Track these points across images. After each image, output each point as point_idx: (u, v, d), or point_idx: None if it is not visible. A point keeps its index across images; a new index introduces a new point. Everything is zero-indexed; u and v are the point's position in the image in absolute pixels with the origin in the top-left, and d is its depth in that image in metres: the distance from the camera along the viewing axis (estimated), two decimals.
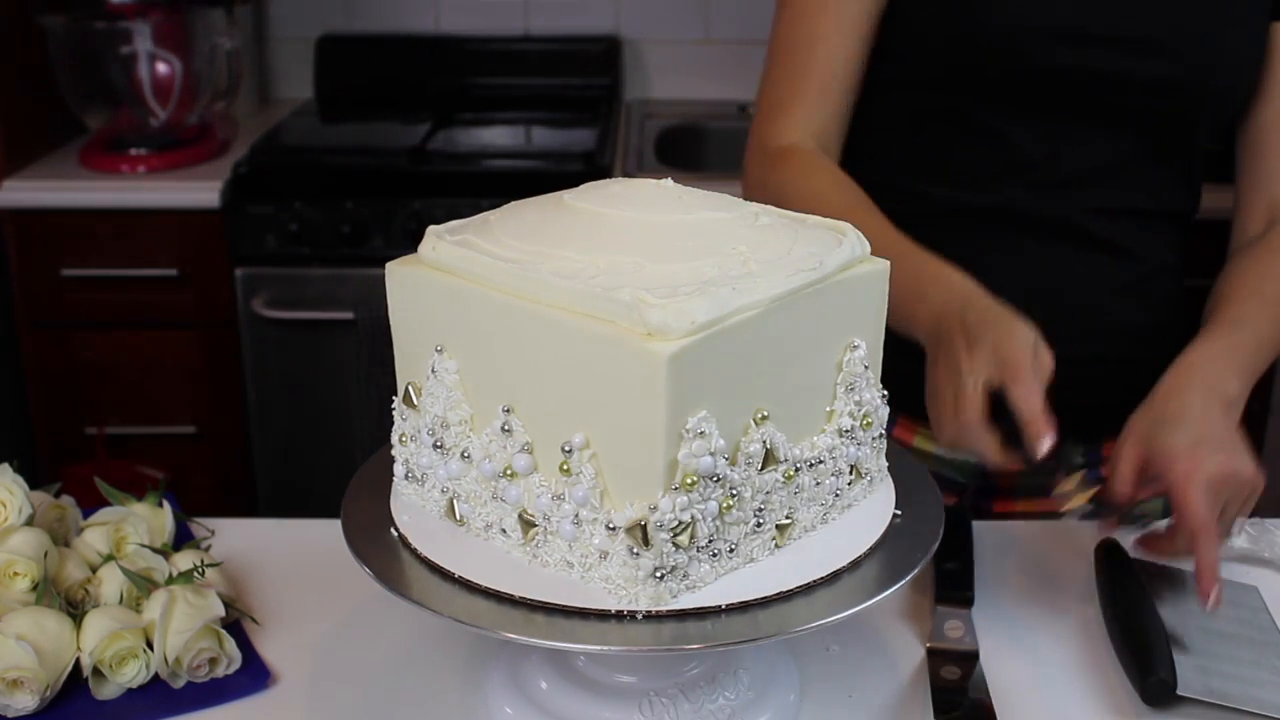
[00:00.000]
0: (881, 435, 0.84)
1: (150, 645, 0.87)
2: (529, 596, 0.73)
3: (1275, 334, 1.07)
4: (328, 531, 0.93)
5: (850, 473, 0.82)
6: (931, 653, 0.92)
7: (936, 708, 0.86)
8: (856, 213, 1.05)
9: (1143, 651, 0.90)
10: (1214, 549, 0.91)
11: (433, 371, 0.79)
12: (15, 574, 0.89)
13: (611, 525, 0.71)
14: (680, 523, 0.71)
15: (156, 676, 0.87)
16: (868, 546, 0.79)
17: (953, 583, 0.98)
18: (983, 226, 1.18)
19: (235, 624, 0.94)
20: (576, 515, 0.73)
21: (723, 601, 0.73)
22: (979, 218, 1.17)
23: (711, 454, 0.70)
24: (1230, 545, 1.07)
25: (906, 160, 1.22)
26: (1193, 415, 0.97)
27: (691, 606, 0.72)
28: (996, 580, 1.02)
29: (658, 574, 0.71)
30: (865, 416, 0.81)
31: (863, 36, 1.17)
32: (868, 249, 0.81)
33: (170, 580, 0.91)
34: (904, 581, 0.76)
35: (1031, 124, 1.15)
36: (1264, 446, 2.24)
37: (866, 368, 0.81)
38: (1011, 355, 0.90)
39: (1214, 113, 1.16)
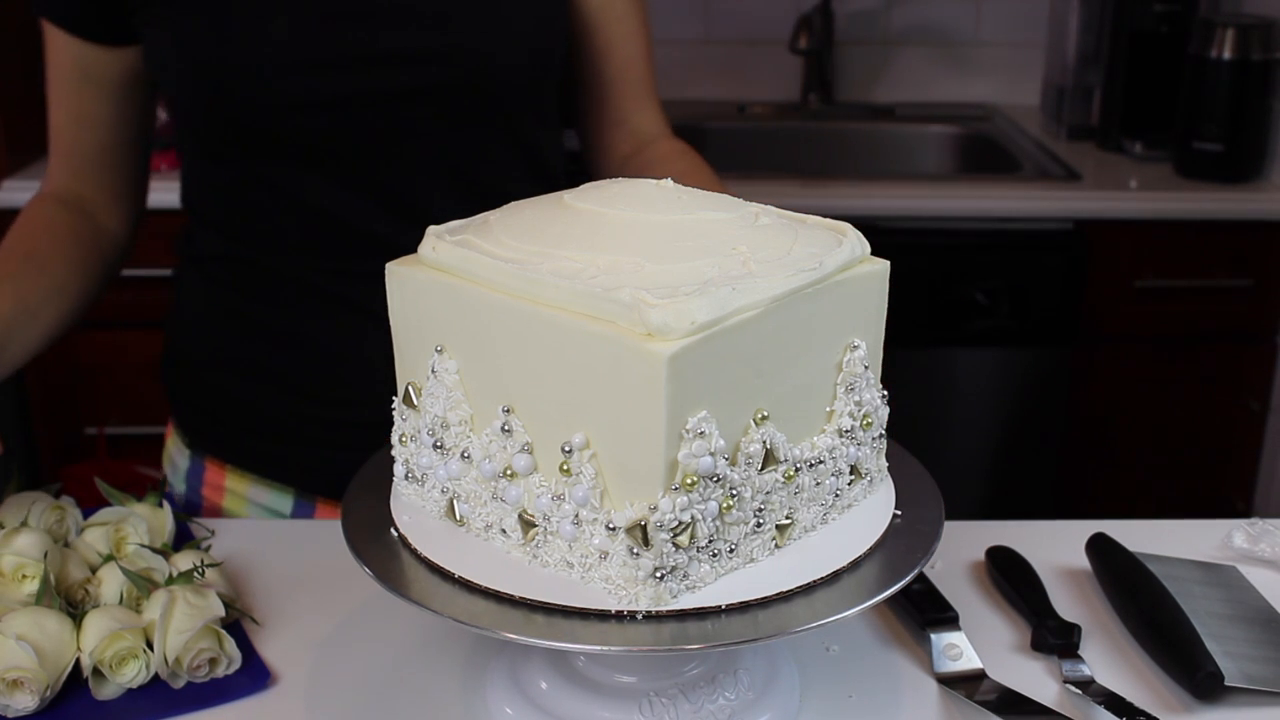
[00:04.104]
0: (882, 435, 0.84)
1: (150, 645, 0.86)
2: (529, 596, 0.73)
3: None
4: (328, 531, 0.93)
5: (850, 473, 0.82)
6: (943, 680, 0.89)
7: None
8: None
9: (1182, 646, 0.89)
10: None
11: (433, 371, 0.79)
12: (24, 576, 0.89)
13: (611, 525, 0.71)
14: (680, 523, 0.71)
15: (156, 676, 0.87)
16: (868, 546, 0.79)
17: (932, 605, 0.95)
18: (317, 292, 1.13)
19: (235, 624, 0.94)
20: (576, 515, 0.73)
21: (723, 602, 0.73)
22: (309, 284, 1.13)
23: (711, 454, 0.70)
24: (1230, 545, 1.07)
25: (239, 232, 1.15)
26: None
27: (691, 607, 0.72)
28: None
29: (658, 574, 0.71)
30: (865, 417, 0.81)
31: (94, 122, 1.19)
32: (868, 249, 0.81)
33: (170, 580, 0.91)
34: (905, 581, 0.76)
35: (318, 168, 1.08)
36: (1263, 446, 2.24)
37: (866, 368, 0.80)
38: None
39: (506, 97, 1.10)
